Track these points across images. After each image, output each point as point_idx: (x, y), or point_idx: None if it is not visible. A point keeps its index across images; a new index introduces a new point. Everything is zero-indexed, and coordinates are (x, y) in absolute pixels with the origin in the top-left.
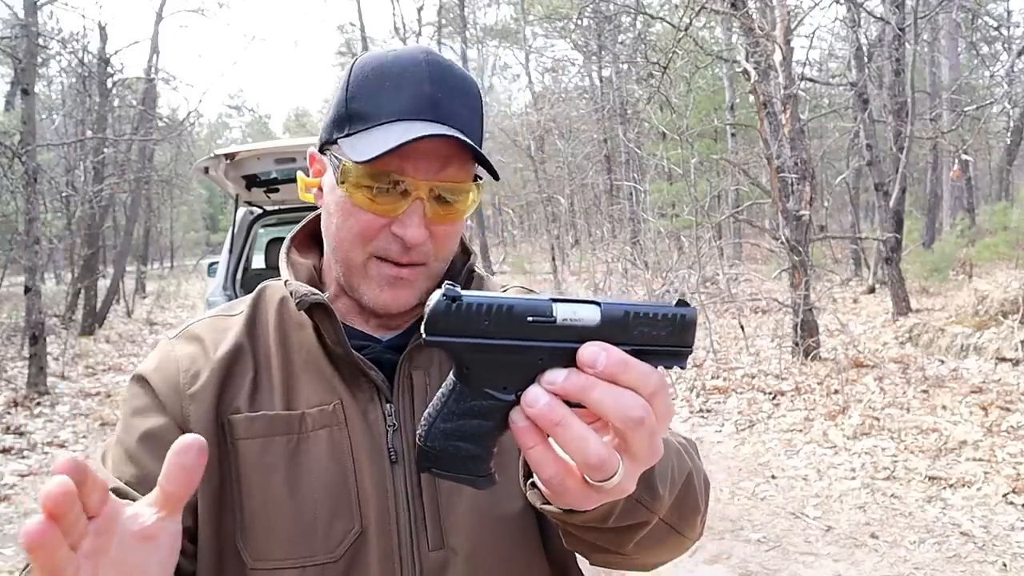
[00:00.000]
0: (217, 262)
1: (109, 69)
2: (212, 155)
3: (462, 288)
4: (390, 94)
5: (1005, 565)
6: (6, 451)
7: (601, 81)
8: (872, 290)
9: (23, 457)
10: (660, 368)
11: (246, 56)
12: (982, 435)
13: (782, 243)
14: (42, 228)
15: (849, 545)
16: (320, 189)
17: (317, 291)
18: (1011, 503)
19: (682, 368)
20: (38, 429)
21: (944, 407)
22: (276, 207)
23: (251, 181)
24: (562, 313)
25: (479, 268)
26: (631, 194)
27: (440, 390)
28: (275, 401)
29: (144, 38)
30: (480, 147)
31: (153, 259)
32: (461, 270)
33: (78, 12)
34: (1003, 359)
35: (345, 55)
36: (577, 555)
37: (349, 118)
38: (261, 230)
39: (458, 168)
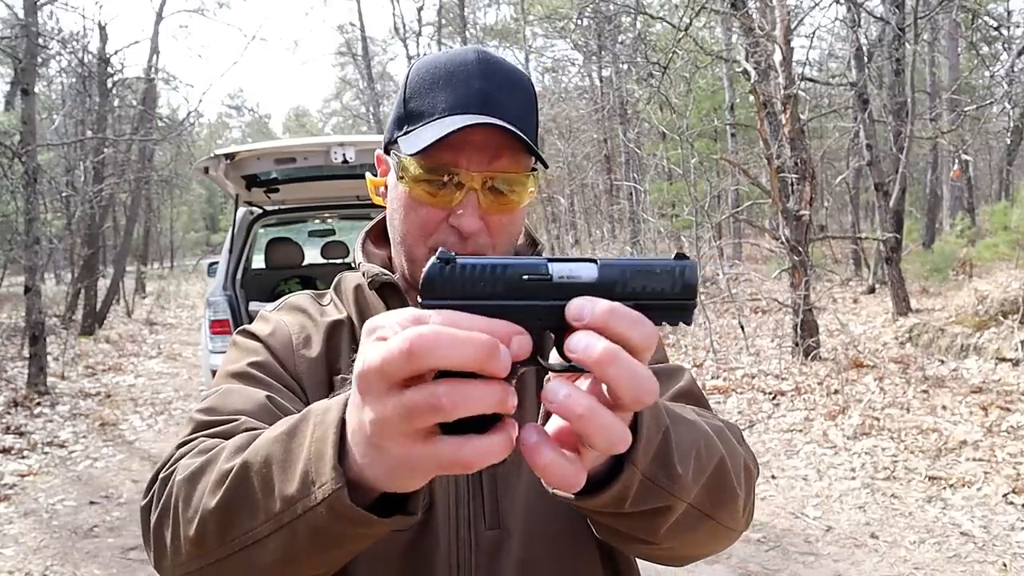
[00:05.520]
0: (217, 262)
1: (109, 69)
2: (212, 155)
3: None
4: (442, 91)
5: (1005, 565)
6: (6, 451)
7: (601, 81)
8: (872, 290)
9: (23, 457)
10: (664, 325)
11: (246, 56)
12: (982, 435)
13: (782, 243)
14: (42, 228)
15: (849, 545)
16: (386, 187)
17: (388, 272)
18: (1011, 503)
19: (687, 324)
20: (38, 429)
21: (944, 407)
22: (276, 207)
23: (251, 181)
24: (558, 271)
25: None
26: (631, 194)
27: None
28: None
29: (144, 38)
30: (534, 138)
31: (153, 259)
32: None
33: (78, 12)
34: (1003, 359)
35: (345, 55)
36: None
37: (407, 117)
38: (261, 230)
39: (510, 159)
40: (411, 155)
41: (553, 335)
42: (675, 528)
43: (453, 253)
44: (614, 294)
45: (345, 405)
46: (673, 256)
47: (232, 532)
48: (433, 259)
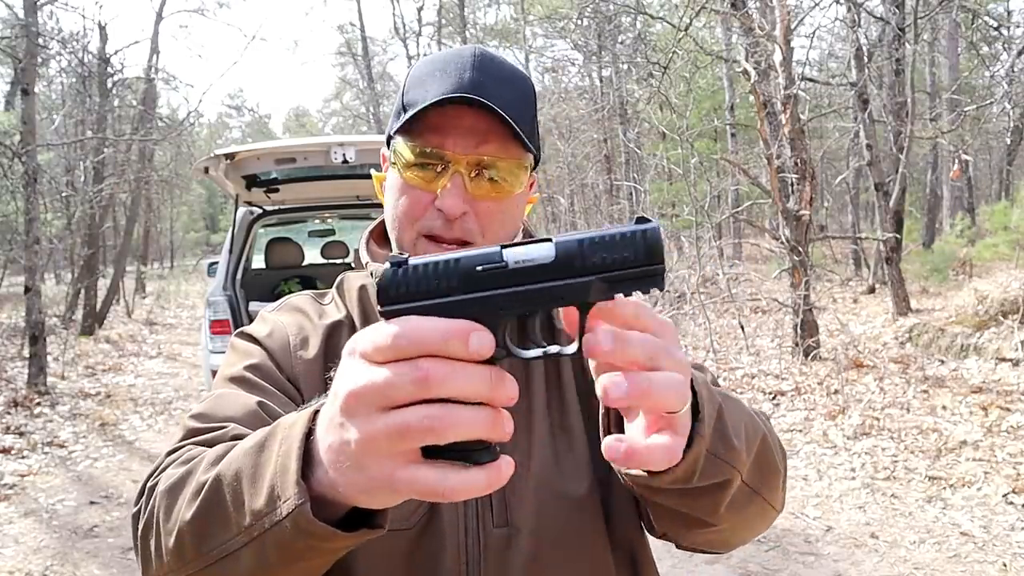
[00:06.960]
0: (217, 262)
1: (109, 69)
2: (212, 155)
3: None
4: (436, 81)
5: (1005, 565)
6: (6, 451)
7: (601, 81)
8: (872, 290)
9: (23, 457)
10: (636, 294)
11: (246, 56)
12: (982, 435)
13: (782, 243)
14: (42, 228)
15: (849, 545)
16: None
17: None
18: (1011, 503)
19: (660, 289)
20: (38, 429)
21: (944, 407)
22: (276, 207)
23: (251, 181)
24: (513, 256)
25: None
26: (631, 194)
27: None
28: None
29: (144, 38)
30: (528, 132)
31: (153, 259)
32: None
33: (78, 12)
34: (1003, 359)
35: (345, 55)
36: (648, 543)
37: (404, 108)
38: (261, 230)
39: (498, 145)
40: (397, 133)
41: (538, 319)
42: (732, 506)
43: (406, 255)
44: (573, 270)
45: (311, 418)
46: (634, 221)
47: (207, 544)
48: (385, 265)
